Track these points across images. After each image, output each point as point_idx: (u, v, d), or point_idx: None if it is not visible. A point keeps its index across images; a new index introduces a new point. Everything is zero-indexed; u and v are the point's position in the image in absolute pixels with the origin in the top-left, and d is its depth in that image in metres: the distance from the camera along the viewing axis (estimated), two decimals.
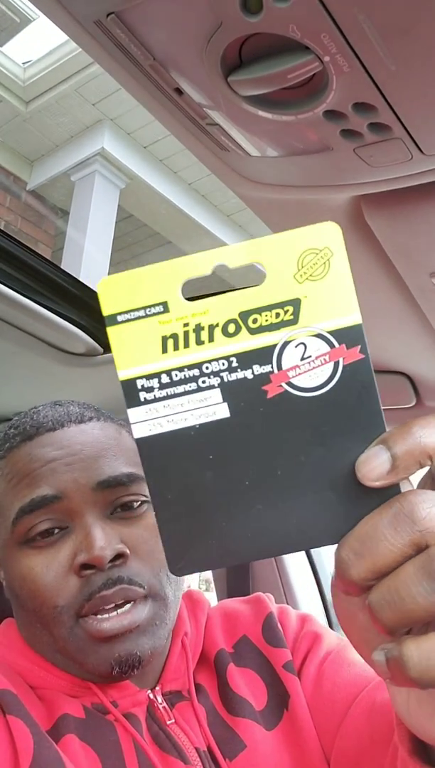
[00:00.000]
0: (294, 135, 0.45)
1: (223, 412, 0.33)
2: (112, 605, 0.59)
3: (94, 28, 0.41)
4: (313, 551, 1.24)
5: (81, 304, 1.06)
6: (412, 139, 0.44)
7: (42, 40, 3.38)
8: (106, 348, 1.08)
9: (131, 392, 0.34)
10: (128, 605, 0.60)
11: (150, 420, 0.34)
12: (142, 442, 0.34)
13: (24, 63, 3.50)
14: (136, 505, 0.64)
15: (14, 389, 1.23)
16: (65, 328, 1.01)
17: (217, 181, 0.57)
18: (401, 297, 0.69)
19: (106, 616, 0.59)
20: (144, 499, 0.65)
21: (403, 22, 0.35)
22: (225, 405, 0.33)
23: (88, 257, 3.39)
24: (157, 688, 0.65)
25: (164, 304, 0.34)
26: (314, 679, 0.69)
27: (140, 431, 0.34)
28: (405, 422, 0.33)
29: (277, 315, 0.33)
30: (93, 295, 1.08)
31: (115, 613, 0.59)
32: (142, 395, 0.34)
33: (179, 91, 0.45)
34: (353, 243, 0.62)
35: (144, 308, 0.34)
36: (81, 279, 1.08)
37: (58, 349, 1.07)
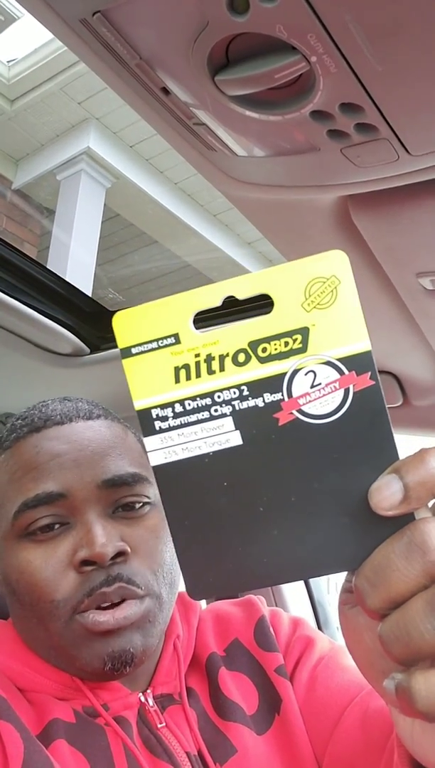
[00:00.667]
0: (281, 135, 0.45)
1: (235, 439, 0.34)
2: (110, 603, 0.59)
3: (79, 26, 0.41)
4: None
5: (67, 304, 1.05)
6: (398, 139, 0.44)
7: (27, 39, 3.36)
8: (93, 348, 1.08)
9: (146, 421, 0.35)
10: (124, 602, 0.60)
11: (165, 448, 0.35)
12: (158, 470, 0.34)
13: (8, 61, 3.48)
14: (138, 506, 0.64)
15: (0, 390, 1.22)
16: (51, 328, 1.01)
17: (204, 180, 0.56)
18: (388, 297, 0.69)
19: (101, 612, 0.59)
20: (146, 500, 0.65)
21: (390, 23, 0.35)
22: (237, 433, 0.34)
23: (74, 257, 3.38)
24: (149, 690, 0.65)
25: (176, 336, 0.35)
26: (307, 684, 0.69)
27: (156, 459, 0.35)
28: (419, 450, 0.33)
29: (286, 344, 0.34)
30: (79, 294, 1.08)
31: (111, 609, 0.59)
32: (157, 424, 0.35)
33: (166, 90, 0.44)
34: (340, 243, 0.62)
35: (156, 340, 0.35)
36: (67, 279, 1.07)
37: (45, 350, 1.07)
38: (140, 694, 0.64)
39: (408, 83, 0.39)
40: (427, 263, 0.60)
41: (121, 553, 0.61)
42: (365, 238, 0.59)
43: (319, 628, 1.24)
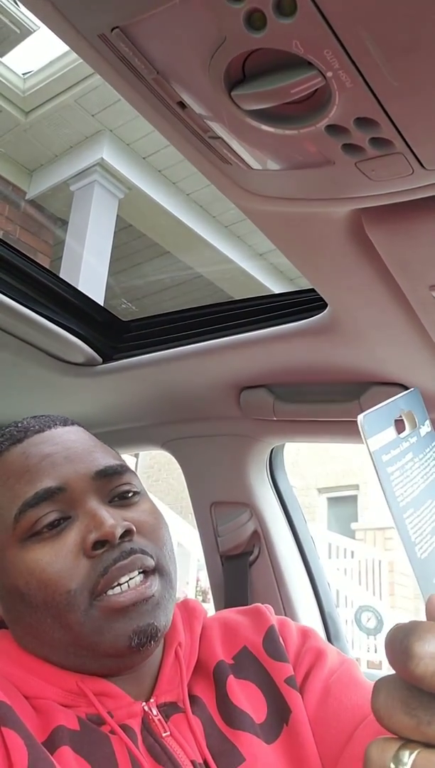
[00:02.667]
0: (296, 149, 0.46)
1: None
2: (127, 575, 0.61)
3: (98, 41, 0.41)
4: (312, 565, 1.24)
5: (81, 314, 1.06)
6: (413, 153, 0.44)
7: (42, 51, 3.41)
8: (106, 358, 1.08)
9: None
10: (140, 576, 0.62)
11: None
12: None
13: (24, 74, 3.52)
14: (130, 494, 0.68)
15: (13, 400, 1.23)
16: (64, 338, 1.01)
17: (216, 191, 0.57)
18: (401, 309, 0.69)
19: (119, 590, 0.61)
20: (136, 489, 0.69)
21: (406, 39, 0.36)
22: None
23: (86, 267, 3.40)
24: (152, 700, 0.65)
25: None
26: (320, 697, 0.68)
27: None
28: None
29: None
30: (92, 304, 1.08)
31: (127, 586, 0.61)
32: None
33: (182, 104, 0.45)
34: (354, 256, 0.62)
35: None
36: (79, 289, 1.08)
37: (58, 359, 1.07)
38: (144, 703, 0.64)
39: (424, 98, 0.39)
40: None
41: (128, 532, 0.63)
42: (379, 251, 0.59)
43: (330, 641, 1.23)
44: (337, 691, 0.68)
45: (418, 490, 0.52)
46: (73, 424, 0.73)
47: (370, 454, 0.48)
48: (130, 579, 0.61)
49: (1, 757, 0.53)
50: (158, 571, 0.64)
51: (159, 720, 0.63)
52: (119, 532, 0.62)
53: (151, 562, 0.63)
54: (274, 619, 0.76)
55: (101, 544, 0.62)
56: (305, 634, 0.76)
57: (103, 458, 0.68)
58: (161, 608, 0.63)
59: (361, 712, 0.66)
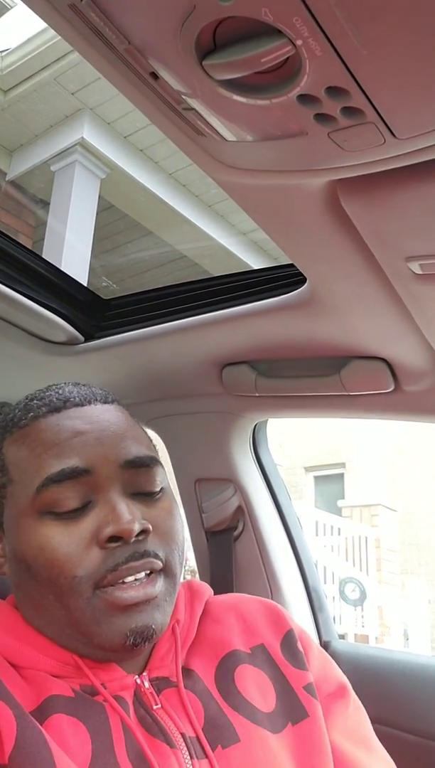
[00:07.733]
0: (269, 119, 0.46)
1: None
2: (133, 576, 0.61)
3: (68, 11, 0.41)
4: (296, 539, 1.25)
5: (62, 293, 1.05)
6: (384, 122, 0.44)
7: (20, 29, 3.35)
8: (87, 336, 1.08)
9: None
10: (146, 576, 0.62)
11: None
12: None
13: (2, 51, 3.46)
14: (155, 491, 0.67)
15: None
16: (45, 317, 1.01)
17: (199, 171, 0.57)
18: (378, 281, 0.70)
19: (125, 586, 0.61)
20: (160, 486, 0.68)
21: (373, 5, 0.36)
22: None
23: (69, 248, 3.37)
24: (145, 674, 0.66)
25: None
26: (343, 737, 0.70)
27: None
28: None
29: None
30: (73, 283, 1.08)
31: (133, 583, 0.61)
32: None
33: (155, 75, 0.45)
34: (330, 228, 0.63)
35: None
36: (63, 269, 1.08)
37: (39, 338, 1.07)
38: (136, 676, 0.65)
39: (393, 67, 0.40)
40: (415, 247, 0.61)
41: (143, 531, 0.63)
42: (354, 222, 0.60)
43: (314, 614, 1.25)
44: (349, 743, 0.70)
45: None
46: (113, 401, 0.72)
47: None
48: (136, 579, 0.62)
49: None
50: (165, 571, 0.64)
51: (151, 693, 0.64)
52: (136, 529, 0.61)
53: (159, 566, 0.63)
54: (292, 624, 0.77)
55: (115, 539, 0.61)
56: (323, 653, 0.78)
57: (135, 446, 0.67)
58: (161, 609, 0.63)
59: None
